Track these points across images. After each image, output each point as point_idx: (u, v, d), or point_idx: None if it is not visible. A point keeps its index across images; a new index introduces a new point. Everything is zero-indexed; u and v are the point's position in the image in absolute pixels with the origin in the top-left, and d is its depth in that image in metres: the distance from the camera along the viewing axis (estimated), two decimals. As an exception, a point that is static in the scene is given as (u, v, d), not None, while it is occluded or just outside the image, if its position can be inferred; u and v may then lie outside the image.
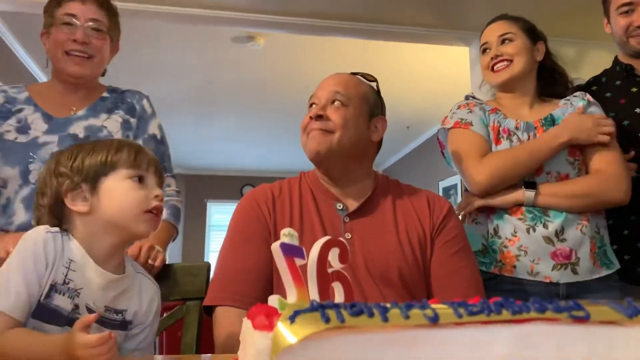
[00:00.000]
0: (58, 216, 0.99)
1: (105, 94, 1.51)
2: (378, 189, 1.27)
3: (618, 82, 1.66)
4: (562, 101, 1.54)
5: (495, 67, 1.56)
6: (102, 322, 0.95)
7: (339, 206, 1.23)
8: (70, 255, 0.94)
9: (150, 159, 1.01)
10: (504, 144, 1.48)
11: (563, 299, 0.76)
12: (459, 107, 1.58)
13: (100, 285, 0.95)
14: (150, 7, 2.73)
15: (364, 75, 1.33)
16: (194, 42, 3.76)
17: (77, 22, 1.40)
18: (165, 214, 1.40)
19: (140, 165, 0.99)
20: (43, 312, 0.90)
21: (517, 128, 1.49)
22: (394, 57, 4.00)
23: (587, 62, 3.09)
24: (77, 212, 0.97)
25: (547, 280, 1.40)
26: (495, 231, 1.47)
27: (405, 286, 1.15)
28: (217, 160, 7.52)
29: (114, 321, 0.97)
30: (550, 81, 1.60)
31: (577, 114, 1.46)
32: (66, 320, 0.91)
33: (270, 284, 1.13)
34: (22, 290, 0.87)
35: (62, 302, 0.91)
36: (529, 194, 1.41)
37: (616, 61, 1.71)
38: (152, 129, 1.51)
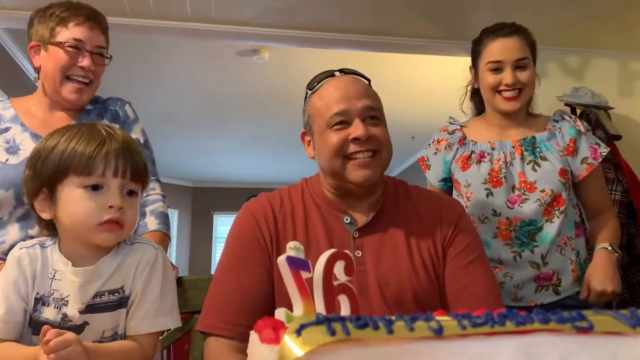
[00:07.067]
0: (46, 220, 0.95)
1: (88, 107, 1.50)
2: (387, 200, 1.15)
3: None
4: (551, 122, 1.51)
5: (506, 94, 1.47)
6: (99, 308, 0.92)
7: (347, 219, 1.11)
8: (54, 265, 0.92)
9: (108, 162, 0.90)
10: (473, 168, 1.49)
11: None
12: (438, 141, 1.61)
13: (79, 283, 0.92)
14: (157, 23, 2.75)
15: (363, 75, 1.19)
16: (200, 56, 3.79)
17: (84, 48, 1.38)
18: (155, 224, 1.40)
19: (93, 172, 0.89)
20: (36, 326, 0.90)
21: (492, 149, 1.50)
22: (399, 68, 4.01)
23: (591, 71, 3.09)
24: (44, 219, 0.93)
25: (532, 304, 1.41)
26: None
27: (420, 308, 1.04)
28: (223, 172, 7.54)
29: (110, 303, 0.93)
30: None
31: None
32: None
33: (264, 311, 1.00)
34: (1, 310, 0.89)
35: (50, 314, 0.91)
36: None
37: None
38: (135, 133, 1.52)
